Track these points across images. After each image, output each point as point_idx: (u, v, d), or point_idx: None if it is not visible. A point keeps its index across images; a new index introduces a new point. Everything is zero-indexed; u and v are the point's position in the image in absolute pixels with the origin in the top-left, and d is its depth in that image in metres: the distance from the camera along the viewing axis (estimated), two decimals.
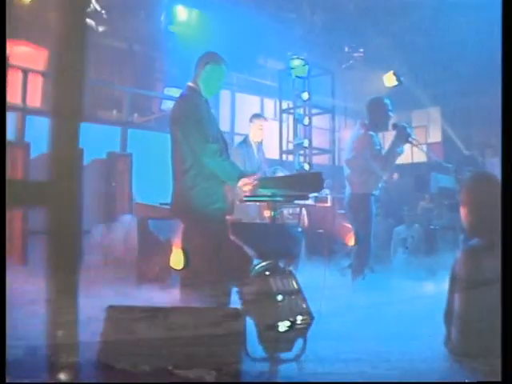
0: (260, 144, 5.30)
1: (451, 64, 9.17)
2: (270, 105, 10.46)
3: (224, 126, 10.27)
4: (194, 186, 3.09)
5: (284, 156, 8.49)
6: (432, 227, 6.73)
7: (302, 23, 8.95)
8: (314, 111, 8.35)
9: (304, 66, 7.32)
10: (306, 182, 3.08)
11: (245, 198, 3.60)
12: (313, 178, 3.10)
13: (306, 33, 8.95)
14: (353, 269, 4.63)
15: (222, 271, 3.01)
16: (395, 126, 4.52)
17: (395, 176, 10.45)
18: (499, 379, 1.74)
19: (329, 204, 5.62)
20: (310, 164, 6.89)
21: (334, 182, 7.18)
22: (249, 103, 10.30)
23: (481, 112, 9.90)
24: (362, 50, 8.95)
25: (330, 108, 7.75)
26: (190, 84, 3.27)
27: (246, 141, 5.23)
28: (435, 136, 11.68)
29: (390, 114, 4.54)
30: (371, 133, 4.42)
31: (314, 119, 10.11)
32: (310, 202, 5.21)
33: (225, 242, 3.04)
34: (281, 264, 2.82)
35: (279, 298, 2.63)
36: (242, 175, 3.06)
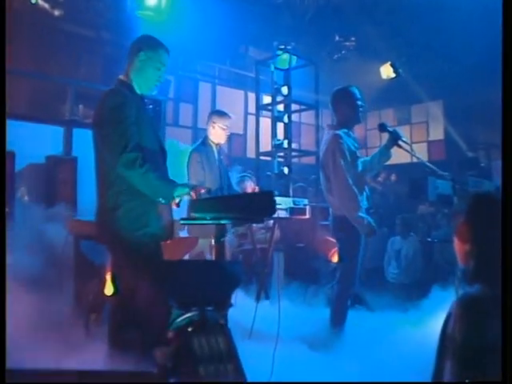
0: (221, 147, 4.59)
1: (454, 54, 8.51)
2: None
3: (203, 123, 9.52)
4: (117, 205, 2.57)
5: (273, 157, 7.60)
6: (429, 240, 5.98)
7: (289, 9, 8.22)
8: (300, 107, 7.47)
9: (285, 55, 6.48)
10: (254, 205, 2.45)
11: (181, 222, 3.03)
12: (262, 200, 2.46)
13: (294, 20, 8.22)
14: (334, 297, 3.85)
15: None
16: (382, 127, 3.81)
17: (392, 177, 9.69)
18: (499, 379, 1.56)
19: (308, 216, 4.87)
20: (289, 167, 6.10)
21: (317, 189, 6.42)
22: (232, 97, 9.61)
23: (487, 108, 9.10)
24: (353, 38, 8.18)
25: (314, 104, 6.89)
26: (121, 77, 2.79)
27: (204, 143, 4.46)
28: (437, 133, 10.92)
29: (359, 103, 3.86)
30: (339, 132, 3.71)
31: (304, 115, 9.33)
32: (283, 214, 4.51)
33: (146, 280, 2.45)
34: (209, 315, 2.20)
35: (203, 364, 2.02)
36: (182, 190, 2.53)
